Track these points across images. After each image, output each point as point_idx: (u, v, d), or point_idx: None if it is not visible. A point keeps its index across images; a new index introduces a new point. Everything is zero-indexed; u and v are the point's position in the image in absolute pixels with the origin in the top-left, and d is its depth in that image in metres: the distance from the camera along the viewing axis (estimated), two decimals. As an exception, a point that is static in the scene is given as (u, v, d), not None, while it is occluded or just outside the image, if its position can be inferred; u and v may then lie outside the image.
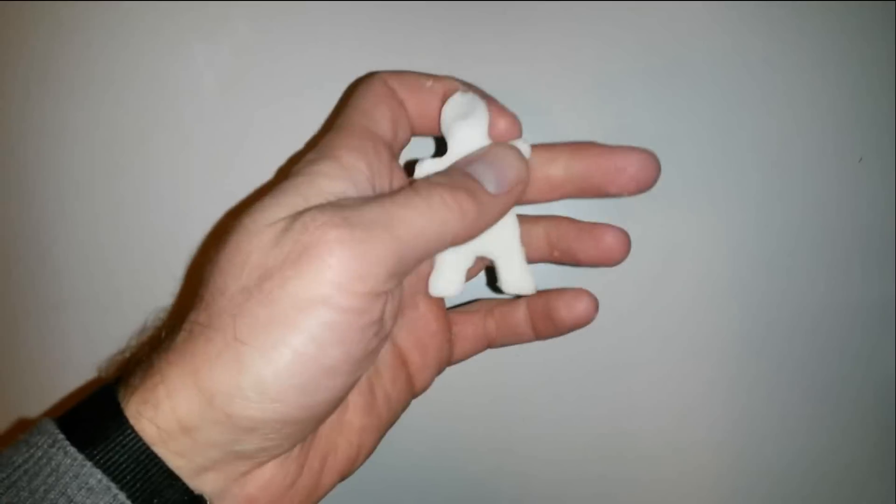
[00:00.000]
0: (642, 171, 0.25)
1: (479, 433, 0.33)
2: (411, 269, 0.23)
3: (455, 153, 0.25)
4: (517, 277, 0.27)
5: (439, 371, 0.28)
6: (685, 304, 0.32)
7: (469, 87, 0.25)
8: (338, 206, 0.22)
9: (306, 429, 0.22)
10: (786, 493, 0.33)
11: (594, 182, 0.25)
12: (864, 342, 0.32)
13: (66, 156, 0.32)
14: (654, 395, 0.32)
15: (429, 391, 0.32)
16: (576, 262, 0.28)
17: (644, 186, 0.25)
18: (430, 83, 0.26)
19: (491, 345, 0.30)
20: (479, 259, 0.27)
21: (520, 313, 0.29)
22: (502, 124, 0.25)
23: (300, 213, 0.21)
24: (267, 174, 0.31)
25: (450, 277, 0.26)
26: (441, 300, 0.28)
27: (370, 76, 0.26)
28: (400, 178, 0.25)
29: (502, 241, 0.26)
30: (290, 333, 0.20)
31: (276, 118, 0.31)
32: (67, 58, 0.31)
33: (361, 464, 0.26)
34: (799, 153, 0.31)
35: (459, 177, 0.23)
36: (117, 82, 0.31)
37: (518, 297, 0.28)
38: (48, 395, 0.33)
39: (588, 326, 0.28)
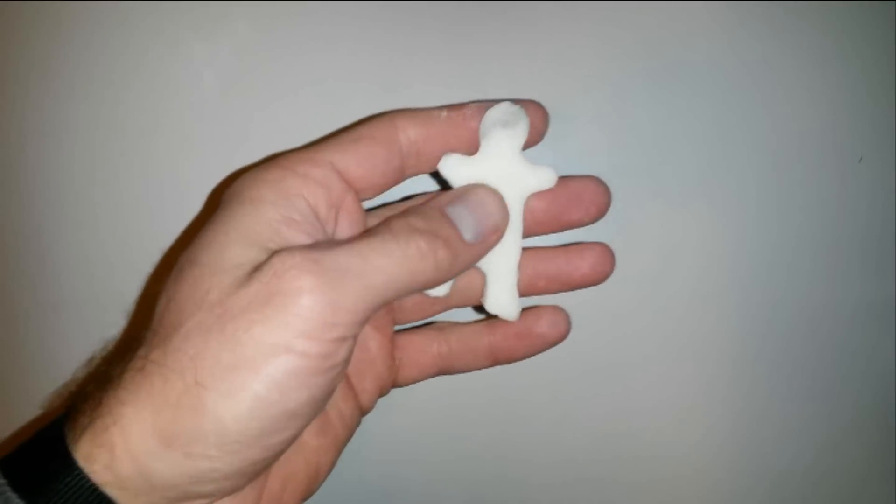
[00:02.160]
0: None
1: (477, 435, 0.33)
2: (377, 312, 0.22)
3: (485, 155, 0.25)
4: (506, 299, 0.27)
5: (381, 394, 0.28)
6: (684, 305, 0.32)
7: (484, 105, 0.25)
8: (309, 248, 0.21)
9: (264, 467, 0.22)
10: (785, 494, 0.33)
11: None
12: (864, 342, 0.32)
13: (66, 156, 0.32)
14: (654, 395, 0.32)
15: (426, 393, 0.32)
16: (565, 286, 0.28)
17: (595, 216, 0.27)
18: (444, 114, 0.25)
19: (443, 372, 0.29)
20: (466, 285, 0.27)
21: (482, 340, 0.28)
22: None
23: (271, 255, 0.21)
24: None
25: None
26: (388, 327, 0.28)
27: (381, 117, 0.25)
28: (352, 212, 0.25)
29: (501, 260, 0.26)
30: (253, 379, 0.20)
31: (277, 118, 0.31)
32: (67, 58, 0.31)
33: (322, 483, 0.26)
34: (799, 153, 0.31)
35: (438, 221, 0.23)
36: (117, 82, 0.31)
37: (495, 317, 0.27)
38: (48, 395, 0.33)
39: (588, 327, 0.28)
